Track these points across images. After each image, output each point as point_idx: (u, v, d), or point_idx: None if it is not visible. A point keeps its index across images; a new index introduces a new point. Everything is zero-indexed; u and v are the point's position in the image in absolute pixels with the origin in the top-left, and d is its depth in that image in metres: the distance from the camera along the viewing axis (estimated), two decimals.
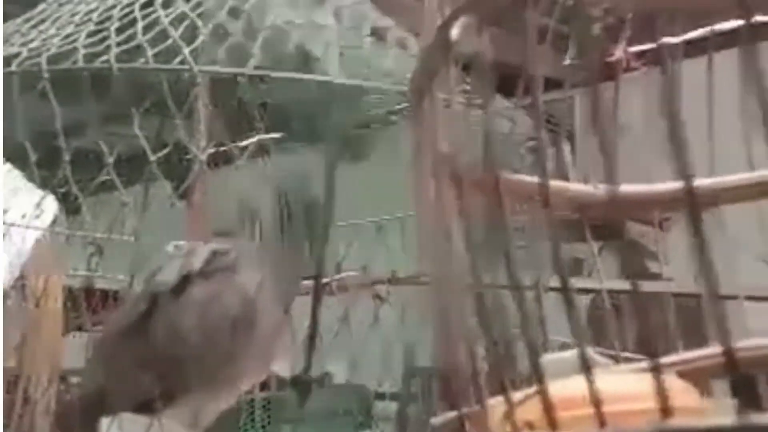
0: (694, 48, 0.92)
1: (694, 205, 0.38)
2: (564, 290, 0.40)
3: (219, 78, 1.21)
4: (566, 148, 1.65)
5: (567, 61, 1.09)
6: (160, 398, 0.91)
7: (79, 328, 2.00)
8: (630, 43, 1.15)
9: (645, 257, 2.66)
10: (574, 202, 1.02)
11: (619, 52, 1.17)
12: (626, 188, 1.01)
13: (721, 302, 0.37)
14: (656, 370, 0.35)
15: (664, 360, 0.54)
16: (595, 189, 1.04)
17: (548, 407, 0.38)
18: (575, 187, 1.08)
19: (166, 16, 1.19)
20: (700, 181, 1.05)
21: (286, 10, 1.30)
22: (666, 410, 0.33)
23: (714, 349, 0.58)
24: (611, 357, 0.81)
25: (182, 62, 1.09)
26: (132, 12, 1.25)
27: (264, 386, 2.60)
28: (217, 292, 1.02)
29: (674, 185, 1.09)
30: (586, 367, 0.37)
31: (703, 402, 0.52)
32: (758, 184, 0.80)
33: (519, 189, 0.98)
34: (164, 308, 1.00)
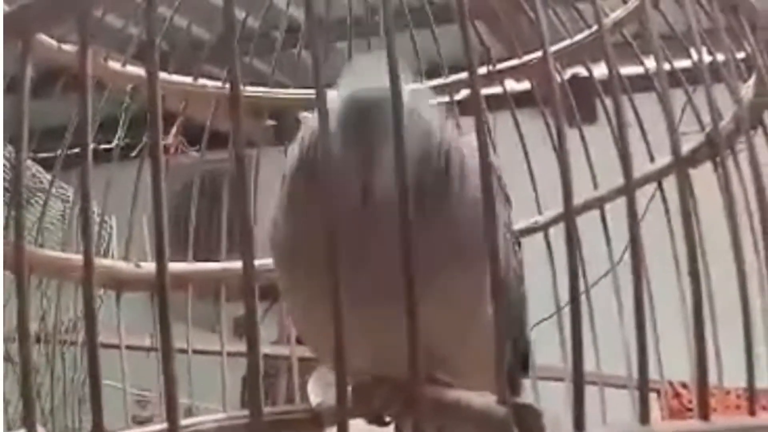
0: None
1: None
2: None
3: None
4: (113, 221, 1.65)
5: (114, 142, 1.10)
6: None
7: None
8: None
9: None
10: (113, 279, 1.04)
11: (170, 139, 1.23)
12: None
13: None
14: None
15: None
16: (137, 267, 1.07)
17: None
18: (113, 264, 1.09)
19: None
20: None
21: None
22: None
23: None
24: None
25: None
26: None
27: None
28: None
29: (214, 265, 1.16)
30: None
31: None
32: None
33: (49, 264, 0.98)
34: None
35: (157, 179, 0.51)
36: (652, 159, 1.15)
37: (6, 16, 0.57)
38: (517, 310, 0.75)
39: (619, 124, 0.56)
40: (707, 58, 0.89)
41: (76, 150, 0.53)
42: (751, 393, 0.56)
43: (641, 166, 1.12)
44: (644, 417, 0.51)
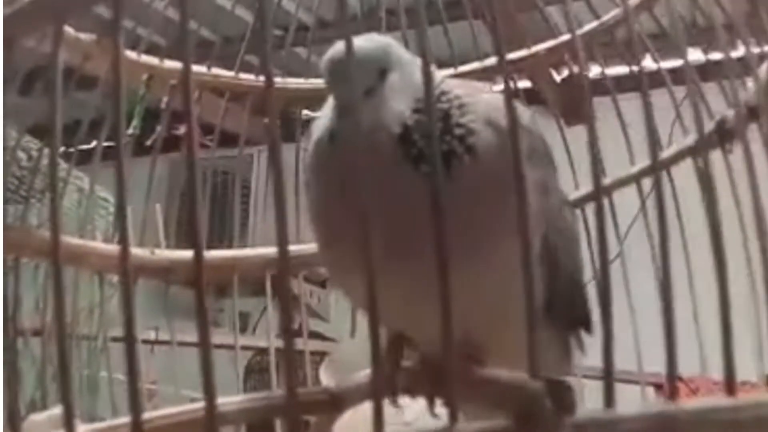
0: None
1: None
2: None
3: None
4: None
5: (130, 131, 1.10)
6: None
7: None
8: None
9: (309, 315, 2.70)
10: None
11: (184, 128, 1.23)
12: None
13: None
14: None
15: None
16: (152, 254, 1.08)
17: None
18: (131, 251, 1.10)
19: None
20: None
21: None
22: None
23: None
24: None
25: None
26: None
27: None
28: None
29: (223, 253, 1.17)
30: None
31: None
32: None
33: (65, 251, 0.98)
34: None
35: (192, 172, 0.52)
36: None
37: (37, 1, 0.58)
38: (568, 273, 0.72)
39: (644, 103, 0.56)
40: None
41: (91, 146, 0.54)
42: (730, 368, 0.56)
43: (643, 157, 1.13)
44: (672, 393, 0.52)
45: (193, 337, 1.23)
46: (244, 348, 1.42)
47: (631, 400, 0.55)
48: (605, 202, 1.22)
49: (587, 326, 0.78)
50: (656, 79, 1.16)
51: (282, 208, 0.52)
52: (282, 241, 0.52)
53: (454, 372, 0.49)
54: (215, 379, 1.19)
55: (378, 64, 0.65)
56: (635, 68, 0.65)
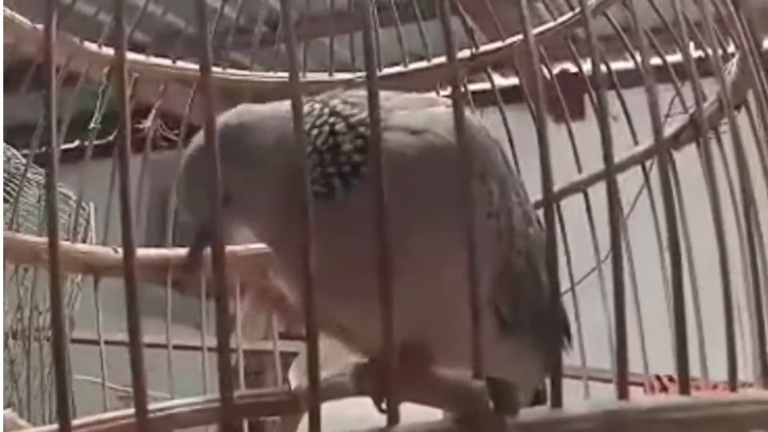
0: None
1: None
2: None
3: None
4: (91, 208, 1.64)
5: (92, 125, 1.08)
6: None
7: None
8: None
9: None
10: (91, 264, 1.03)
11: (148, 122, 1.21)
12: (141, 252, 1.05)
13: None
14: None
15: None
16: (115, 252, 1.06)
17: None
18: (88, 248, 1.08)
19: None
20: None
21: None
22: None
23: None
24: None
25: None
26: None
27: None
28: None
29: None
30: None
31: None
32: None
33: (22, 249, 0.97)
34: None
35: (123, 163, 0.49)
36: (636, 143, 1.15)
37: None
38: (534, 295, 0.69)
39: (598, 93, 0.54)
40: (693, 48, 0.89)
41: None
42: (732, 366, 0.55)
43: (625, 151, 1.12)
44: (622, 392, 0.50)
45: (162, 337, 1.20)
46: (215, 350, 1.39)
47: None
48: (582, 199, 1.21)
49: (568, 335, 0.77)
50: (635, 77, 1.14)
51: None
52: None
53: (394, 370, 0.48)
54: (195, 382, 1.17)
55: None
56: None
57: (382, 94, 0.61)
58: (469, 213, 0.50)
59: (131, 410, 0.77)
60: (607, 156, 0.55)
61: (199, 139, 0.64)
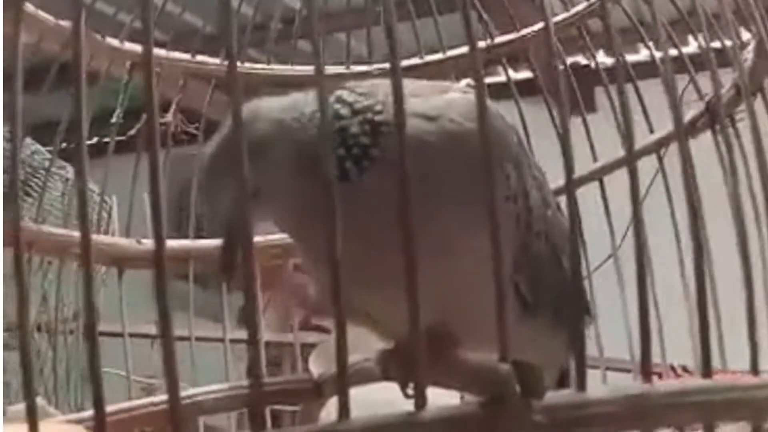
0: None
1: None
2: None
3: None
4: (114, 201, 1.66)
5: (113, 120, 1.10)
6: None
7: None
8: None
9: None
10: (114, 256, 1.04)
11: (169, 117, 1.22)
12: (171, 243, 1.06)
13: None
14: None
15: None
16: (138, 243, 1.07)
17: None
18: (115, 240, 1.10)
19: None
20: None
21: None
22: None
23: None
24: None
25: None
26: None
27: None
28: None
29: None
30: None
31: None
32: None
33: (47, 242, 0.98)
34: None
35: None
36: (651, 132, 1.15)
37: None
38: (554, 277, 0.70)
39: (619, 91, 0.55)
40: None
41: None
42: (754, 351, 0.55)
43: (641, 139, 1.12)
44: (646, 376, 0.51)
45: (184, 330, 1.22)
46: (241, 341, 1.40)
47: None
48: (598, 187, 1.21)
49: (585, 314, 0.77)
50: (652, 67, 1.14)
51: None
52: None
53: (421, 355, 0.49)
54: (219, 374, 1.18)
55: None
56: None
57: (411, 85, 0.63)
58: (492, 197, 0.51)
59: (159, 398, 0.79)
60: (629, 146, 0.56)
61: (219, 136, 0.65)
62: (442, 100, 0.65)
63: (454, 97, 0.66)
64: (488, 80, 1.33)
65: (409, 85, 0.67)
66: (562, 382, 0.75)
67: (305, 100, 0.64)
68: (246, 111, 0.65)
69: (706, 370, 0.53)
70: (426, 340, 0.49)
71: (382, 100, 0.63)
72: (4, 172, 1.42)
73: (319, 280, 0.67)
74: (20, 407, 0.81)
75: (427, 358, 0.49)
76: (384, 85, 0.63)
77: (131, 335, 1.19)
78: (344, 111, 0.64)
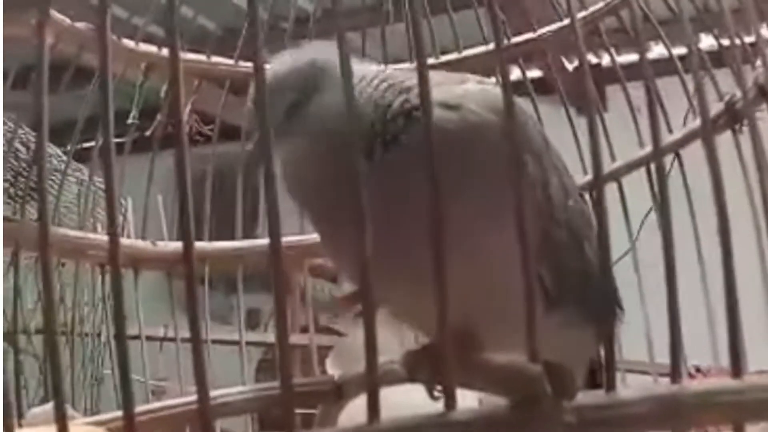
0: None
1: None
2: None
3: None
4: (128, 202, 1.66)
5: (129, 122, 1.10)
6: None
7: None
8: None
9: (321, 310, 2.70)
10: (130, 257, 1.04)
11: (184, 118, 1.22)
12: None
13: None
14: None
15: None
16: (153, 245, 1.07)
17: None
18: (131, 242, 1.10)
19: None
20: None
21: None
22: None
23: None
24: None
25: None
26: None
27: None
28: None
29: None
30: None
31: None
32: None
33: (63, 243, 0.98)
34: None
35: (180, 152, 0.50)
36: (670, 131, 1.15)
37: None
38: (579, 265, 0.69)
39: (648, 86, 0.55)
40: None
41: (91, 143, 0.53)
42: None
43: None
44: (675, 375, 0.51)
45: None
46: (251, 344, 1.40)
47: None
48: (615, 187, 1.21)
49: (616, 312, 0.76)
50: (667, 65, 1.14)
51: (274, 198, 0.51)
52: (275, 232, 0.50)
53: (450, 356, 0.48)
54: (231, 376, 1.18)
55: (297, 87, 0.66)
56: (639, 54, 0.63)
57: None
58: (519, 190, 0.50)
59: (176, 401, 0.79)
60: (655, 145, 0.55)
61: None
62: (461, 89, 0.65)
63: (471, 88, 0.66)
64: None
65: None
66: (593, 381, 0.74)
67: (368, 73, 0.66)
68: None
69: (736, 371, 0.53)
70: (452, 340, 0.49)
71: (410, 87, 0.64)
72: (23, 175, 1.43)
73: (346, 273, 0.67)
74: (40, 410, 0.81)
75: (455, 359, 0.48)
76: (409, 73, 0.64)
77: (147, 338, 1.19)
78: (388, 94, 0.65)
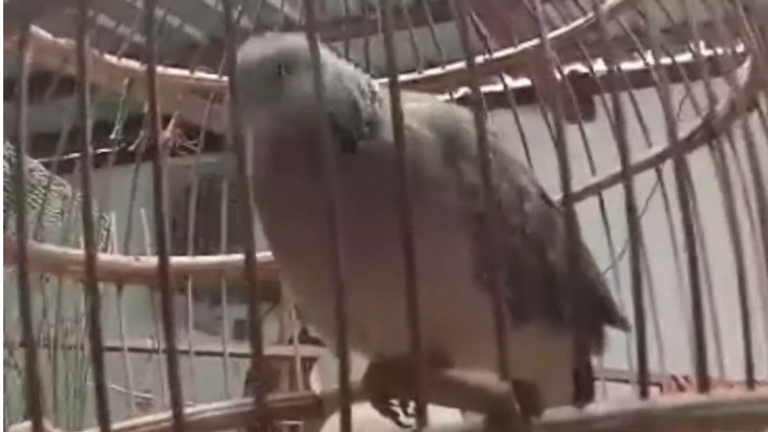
0: None
1: None
2: None
3: None
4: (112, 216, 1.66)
5: (112, 136, 1.10)
6: None
7: None
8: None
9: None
10: (113, 272, 1.05)
11: (167, 133, 1.22)
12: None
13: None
14: None
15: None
16: (136, 260, 1.08)
17: None
18: (113, 258, 1.10)
19: None
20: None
21: None
22: None
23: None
24: None
25: None
26: None
27: None
28: None
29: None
30: None
31: None
32: None
33: (46, 259, 0.98)
34: None
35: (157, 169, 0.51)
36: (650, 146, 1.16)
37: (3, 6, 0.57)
38: (535, 270, 0.68)
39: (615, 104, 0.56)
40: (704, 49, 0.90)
41: (74, 155, 0.53)
42: (749, 365, 0.56)
43: (638, 153, 1.13)
44: (644, 391, 0.52)
45: (184, 344, 1.22)
46: (239, 356, 1.40)
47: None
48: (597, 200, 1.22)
49: (608, 320, 0.76)
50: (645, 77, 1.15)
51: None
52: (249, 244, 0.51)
53: (421, 374, 0.49)
54: (218, 387, 1.18)
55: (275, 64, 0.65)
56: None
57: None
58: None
59: (161, 415, 0.79)
60: (624, 164, 0.56)
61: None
62: (413, 108, 0.65)
63: (421, 106, 0.66)
64: (486, 89, 1.35)
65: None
66: (582, 393, 0.73)
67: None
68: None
69: (703, 385, 0.53)
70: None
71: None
72: (6, 189, 1.43)
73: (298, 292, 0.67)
74: (22, 427, 0.81)
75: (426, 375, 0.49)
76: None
77: (129, 350, 1.19)
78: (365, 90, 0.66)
